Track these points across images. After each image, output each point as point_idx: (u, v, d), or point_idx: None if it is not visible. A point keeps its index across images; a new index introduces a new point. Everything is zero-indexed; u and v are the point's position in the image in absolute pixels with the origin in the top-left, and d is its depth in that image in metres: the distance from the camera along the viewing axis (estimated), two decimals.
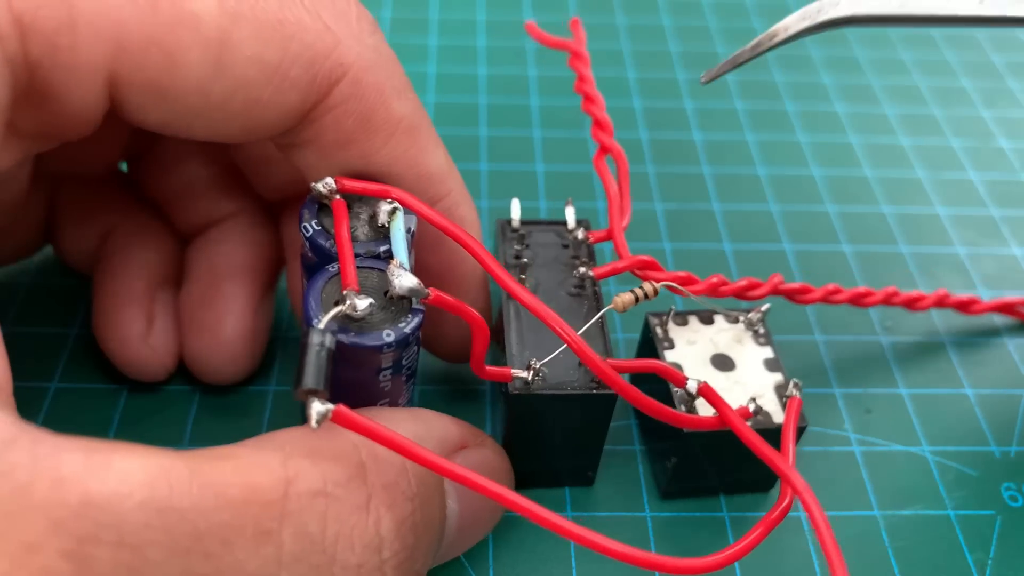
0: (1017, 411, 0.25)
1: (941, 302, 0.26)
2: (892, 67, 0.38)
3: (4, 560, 0.11)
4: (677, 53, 0.38)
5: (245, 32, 0.16)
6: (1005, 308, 0.27)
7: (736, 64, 0.18)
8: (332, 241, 0.17)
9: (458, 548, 0.19)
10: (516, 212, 0.22)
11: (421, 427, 0.17)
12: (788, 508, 0.17)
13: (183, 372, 0.23)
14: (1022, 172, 0.33)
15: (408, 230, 0.18)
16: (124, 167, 0.25)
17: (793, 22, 0.17)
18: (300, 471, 0.14)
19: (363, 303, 0.16)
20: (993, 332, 0.27)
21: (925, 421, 0.24)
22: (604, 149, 0.22)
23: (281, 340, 0.25)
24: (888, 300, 0.25)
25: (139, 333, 0.22)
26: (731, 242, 0.29)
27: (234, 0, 0.16)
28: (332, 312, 0.16)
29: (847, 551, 0.21)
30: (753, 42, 0.17)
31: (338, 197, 0.18)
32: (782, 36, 0.17)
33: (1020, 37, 0.40)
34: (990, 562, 0.21)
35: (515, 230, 0.22)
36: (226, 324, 0.22)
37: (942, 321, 0.27)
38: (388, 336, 0.16)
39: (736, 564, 0.21)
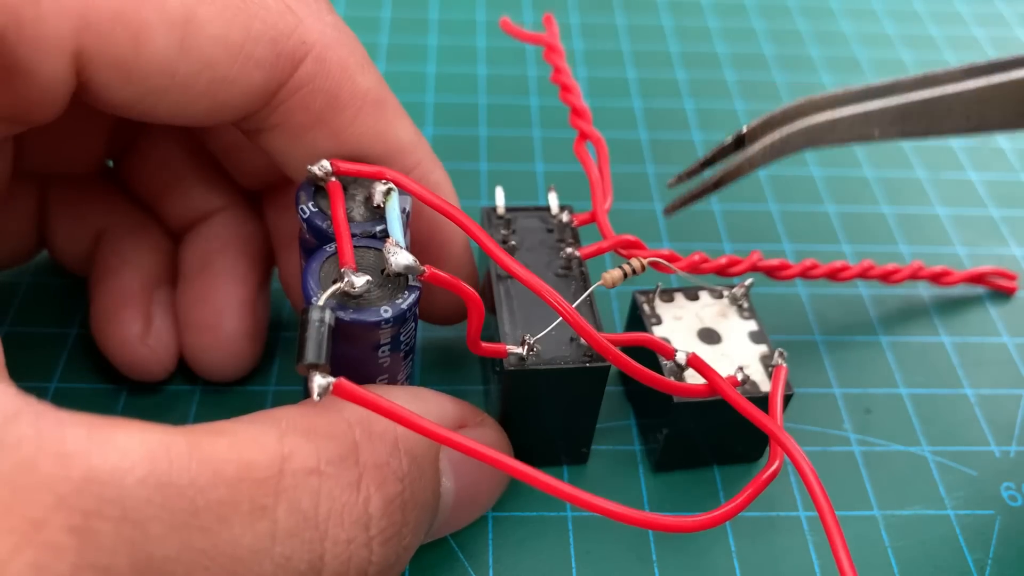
0: (1017, 411, 0.25)
1: (916, 274, 0.26)
2: (892, 67, 0.38)
3: (12, 535, 0.11)
4: (677, 53, 0.38)
5: (209, 11, 0.16)
6: (979, 278, 0.28)
7: (698, 198, 0.18)
8: (329, 222, 0.18)
9: (454, 525, 0.19)
10: (500, 199, 0.22)
11: (418, 405, 0.18)
12: (778, 470, 0.17)
13: (182, 372, 0.23)
14: (1022, 172, 0.33)
15: (403, 210, 0.18)
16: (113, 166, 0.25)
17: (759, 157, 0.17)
18: (295, 448, 0.14)
19: (360, 280, 0.16)
20: (993, 332, 0.27)
21: (925, 421, 0.24)
22: (583, 136, 0.23)
23: (282, 340, 0.25)
24: (864, 274, 0.26)
25: (138, 334, 0.22)
26: (731, 242, 0.29)
27: None
28: (331, 289, 0.16)
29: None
30: (717, 176, 0.18)
31: (334, 179, 0.18)
32: (748, 171, 0.18)
33: (1020, 37, 0.40)
34: (990, 562, 0.21)
35: (500, 216, 0.22)
36: (225, 321, 0.22)
37: (942, 321, 0.27)
38: (386, 312, 0.16)
39: (736, 564, 0.21)
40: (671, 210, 0.19)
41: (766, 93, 0.36)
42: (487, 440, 0.19)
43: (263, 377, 0.24)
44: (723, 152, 0.18)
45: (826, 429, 0.24)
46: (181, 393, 0.23)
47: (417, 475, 0.16)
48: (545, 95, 0.35)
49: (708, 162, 0.18)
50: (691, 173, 0.18)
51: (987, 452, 0.23)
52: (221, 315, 0.22)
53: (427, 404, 0.18)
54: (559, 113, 0.34)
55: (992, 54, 0.39)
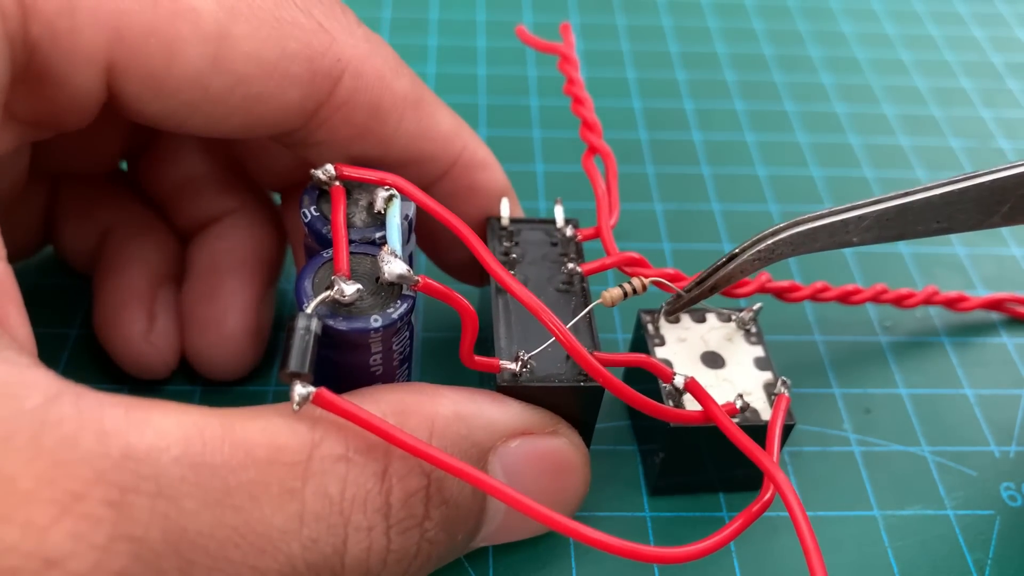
0: (1017, 411, 0.25)
1: (930, 299, 0.26)
2: (892, 67, 0.38)
3: (53, 506, 0.12)
4: (677, 53, 0.38)
5: (243, 28, 0.17)
6: (995, 304, 0.27)
7: (695, 302, 0.20)
8: (329, 227, 0.18)
9: (516, 531, 0.19)
10: (505, 210, 0.22)
11: (473, 407, 0.17)
12: (769, 502, 0.17)
13: (183, 371, 0.23)
14: None
15: (406, 217, 0.18)
16: (124, 166, 0.25)
17: (748, 264, 0.19)
18: (326, 435, 0.15)
19: (350, 289, 0.16)
20: (993, 332, 0.27)
21: (925, 421, 0.24)
22: (592, 149, 0.23)
23: (283, 340, 0.25)
24: (877, 298, 0.25)
25: (141, 331, 0.22)
26: (731, 242, 0.29)
27: None
28: (319, 297, 0.16)
29: (847, 551, 0.21)
30: (711, 282, 0.19)
31: (337, 183, 0.18)
32: (737, 277, 0.19)
33: (1020, 37, 0.40)
34: (989, 562, 0.21)
35: (504, 228, 0.22)
36: (229, 320, 0.22)
37: (941, 321, 0.27)
38: (376, 321, 0.16)
39: (736, 563, 0.21)
40: (671, 313, 0.21)
41: (766, 93, 0.36)
42: (550, 450, 0.19)
43: (263, 377, 0.24)
44: (717, 269, 0.20)
45: (826, 429, 0.24)
46: (181, 393, 0.23)
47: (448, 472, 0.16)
48: (545, 95, 0.35)
49: (703, 280, 0.20)
50: (689, 291, 0.20)
51: (987, 452, 0.23)
52: (225, 313, 0.22)
53: (481, 407, 0.18)
54: (559, 114, 0.34)
55: (992, 53, 0.39)
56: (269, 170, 0.23)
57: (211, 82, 0.17)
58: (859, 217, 0.19)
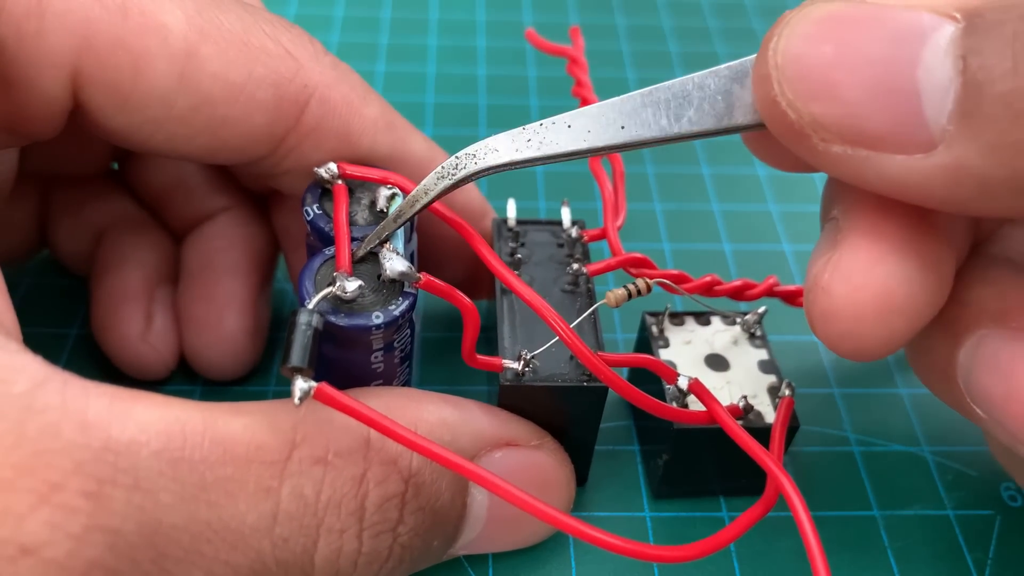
0: None
1: None
2: None
3: (31, 495, 0.12)
4: (677, 53, 0.38)
5: (211, 49, 0.17)
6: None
7: (383, 237, 0.17)
8: (332, 224, 0.18)
9: (498, 542, 0.19)
10: (512, 211, 0.22)
11: (457, 415, 0.18)
12: (772, 503, 0.17)
13: (183, 371, 0.23)
14: None
15: None
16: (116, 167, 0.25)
17: (432, 183, 0.17)
18: (307, 436, 0.15)
19: (352, 285, 0.16)
20: None
21: (925, 421, 0.24)
22: None
23: (282, 340, 0.25)
24: None
25: (138, 332, 0.22)
26: (730, 242, 0.29)
27: (201, 18, 0.17)
28: (322, 293, 0.16)
29: (847, 551, 0.21)
30: (395, 211, 0.17)
31: (339, 182, 0.18)
32: (424, 200, 0.17)
33: None
34: (989, 562, 0.21)
35: (511, 229, 0.22)
36: (226, 319, 0.22)
37: None
38: (377, 318, 0.16)
39: (736, 563, 0.21)
40: (360, 253, 0.18)
41: None
42: (533, 463, 0.19)
43: (263, 377, 0.24)
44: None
45: (826, 429, 0.24)
46: (181, 393, 0.23)
47: (428, 478, 0.16)
48: (545, 95, 0.35)
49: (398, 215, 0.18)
50: (377, 240, 0.18)
51: (987, 452, 0.23)
52: (222, 313, 0.22)
53: (469, 415, 0.18)
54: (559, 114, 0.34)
55: None
56: (251, 174, 0.23)
57: (176, 100, 0.17)
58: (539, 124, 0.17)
